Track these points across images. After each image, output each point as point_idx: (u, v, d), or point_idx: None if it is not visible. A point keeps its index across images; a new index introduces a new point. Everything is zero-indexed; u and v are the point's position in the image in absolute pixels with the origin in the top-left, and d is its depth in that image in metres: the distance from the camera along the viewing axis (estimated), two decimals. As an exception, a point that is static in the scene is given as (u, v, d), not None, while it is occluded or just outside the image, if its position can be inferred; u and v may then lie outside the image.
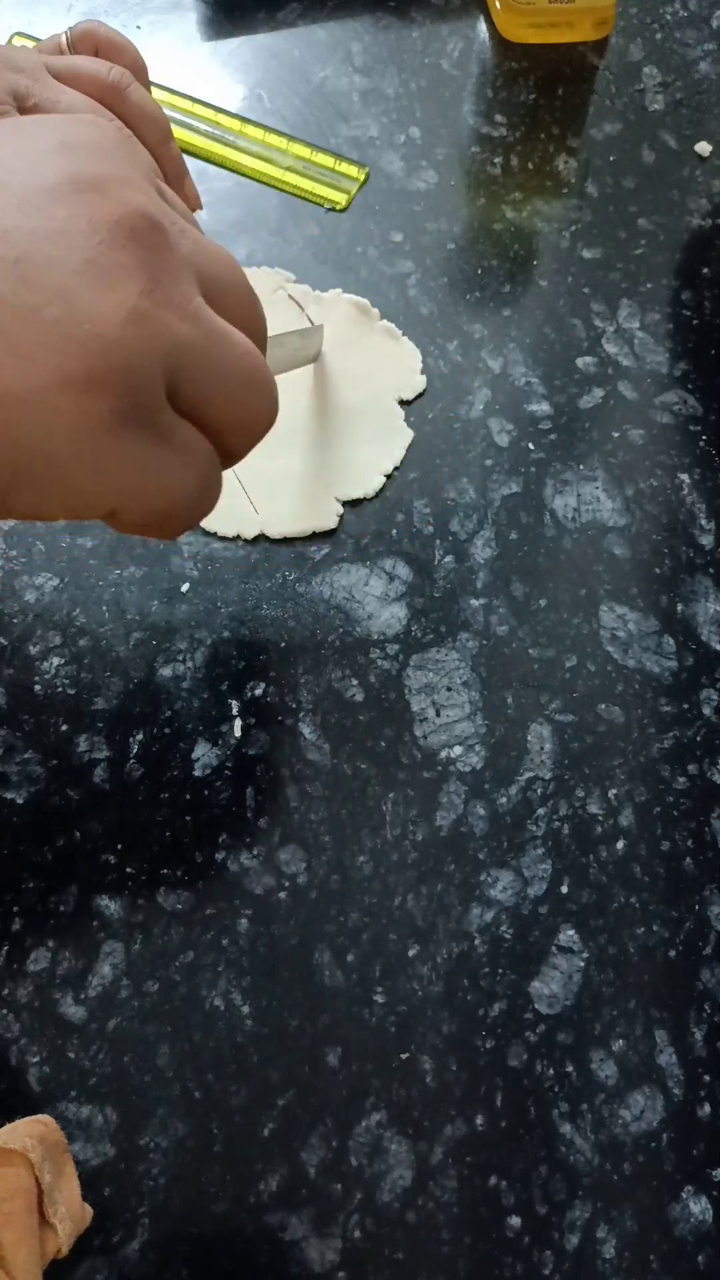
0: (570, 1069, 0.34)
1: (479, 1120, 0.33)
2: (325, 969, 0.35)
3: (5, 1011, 0.34)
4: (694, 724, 0.39)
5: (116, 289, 0.21)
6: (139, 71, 0.36)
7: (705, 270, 0.47)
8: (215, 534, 0.41)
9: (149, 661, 0.39)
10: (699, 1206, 0.32)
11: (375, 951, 0.35)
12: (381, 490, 0.42)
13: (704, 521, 0.42)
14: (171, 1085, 0.33)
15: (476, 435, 0.43)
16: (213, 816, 0.36)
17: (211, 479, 0.25)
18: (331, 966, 0.35)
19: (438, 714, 0.38)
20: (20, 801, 0.36)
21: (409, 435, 0.43)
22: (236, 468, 0.42)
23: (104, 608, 0.40)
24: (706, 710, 0.39)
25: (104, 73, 0.34)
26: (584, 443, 0.43)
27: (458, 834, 0.37)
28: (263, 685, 0.38)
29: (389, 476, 0.42)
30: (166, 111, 0.49)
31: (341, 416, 0.43)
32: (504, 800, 0.37)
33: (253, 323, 0.26)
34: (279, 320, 0.45)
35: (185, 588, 0.40)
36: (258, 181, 0.48)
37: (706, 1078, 0.34)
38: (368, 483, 0.42)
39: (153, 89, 0.39)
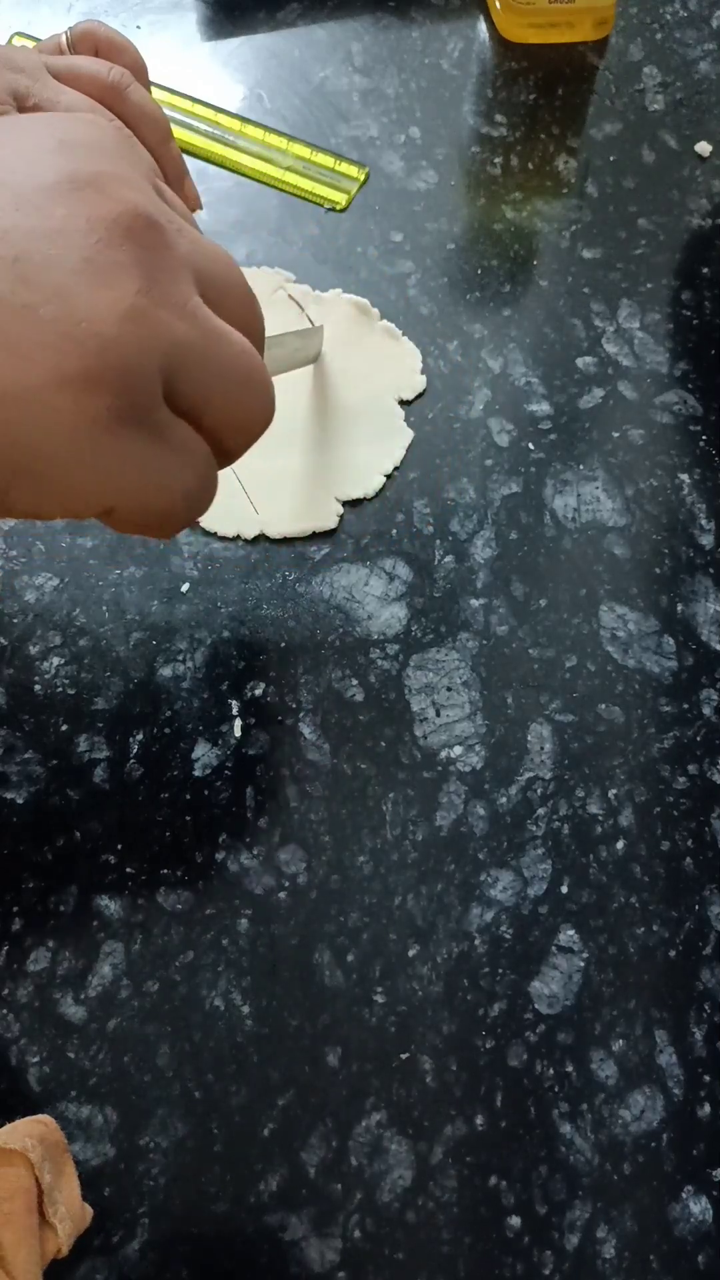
0: (570, 1069, 0.34)
1: (479, 1120, 0.33)
2: (325, 969, 0.35)
3: (5, 1011, 0.34)
4: (694, 724, 0.39)
5: (114, 288, 0.21)
6: (139, 71, 0.36)
7: (705, 270, 0.47)
8: (215, 534, 0.41)
9: (149, 661, 0.39)
10: (699, 1206, 0.32)
11: (375, 951, 0.35)
12: (381, 490, 0.42)
13: (704, 521, 0.42)
14: (171, 1085, 0.33)
15: (476, 435, 0.43)
16: (213, 816, 0.36)
17: (208, 478, 0.25)
18: (331, 966, 0.35)
19: (438, 714, 0.38)
20: (20, 801, 0.36)
21: (409, 435, 0.43)
22: (236, 468, 0.42)
23: (104, 608, 0.40)
24: (706, 710, 0.39)
25: (104, 73, 0.34)
26: (584, 443, 0.43)
27: (458, 834, 0.37)
28: (263, 685, 0.38)
29: (389, 476, 0.42)
30: (166, 111, 0.49)
31: (341, 416, 0.43)
32: (504, 800, 0.37)
33: (250, 322, 0.26)
34: (279, 320, 0.45)
35: (185, 588, 0.40)
36: (258, 181, 0.48)
37: (706, 1078, 0.34)
38: (368, 483, 0.42)
39: (153, 89, 0.39)
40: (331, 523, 0.41)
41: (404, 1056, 0.34)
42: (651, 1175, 0.33)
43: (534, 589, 0.40)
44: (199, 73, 0.51)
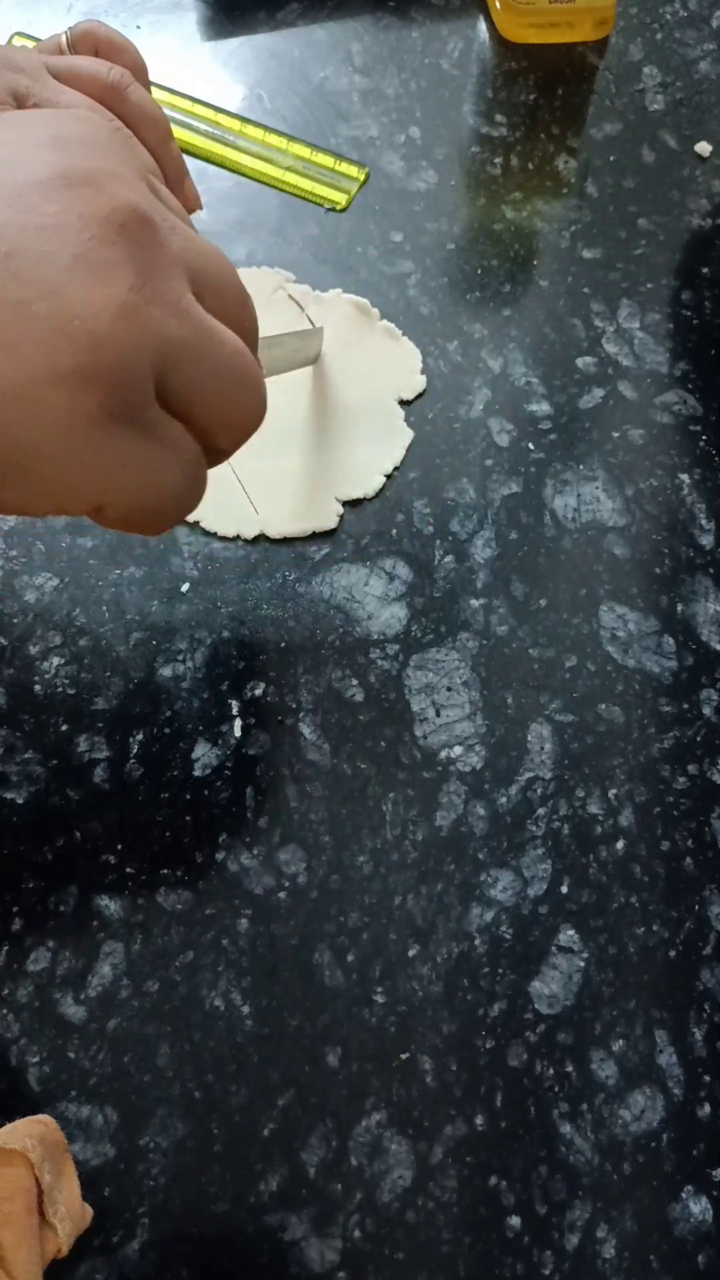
0: (570, 1069, 0.34)
1: (479, 1120, 0.33)
2: (325, 969, 0.35)
3: (5, 1011, 0.34)
4: (694, 724, 0.39)
5: (107, 284, 0.21)
6: (139, 71, 0.36)
7: (705, 270, 0.47)
8: (215, 534, 0.41)
9: (149, 661, 0.39)
10: (699, 1206, 0.32)
11: (375, 951, 0.35)
12: (381, 490, 0.42)
13: (704, 521, 0.42)
14: (171, 1085, 0.33)
15: (476, 435, 0.43)
16: (213, 816, 0.36)
17: (197, 477, 0.25)
18: (331, 966, 0.35)
19: (438, 714, 0.38)
20: (20, 801, 0.36)
21: (409, 435, 0.43)
22: (236, 468, 0.42)
23: (104, 608, 0.40)
24: (706, 710, 0.39)
25: (104, 73, 0.34)
26: (584, 443, 0.43)
27: (458, 834, 0.37)
28: (263, 685, 0.38)
29: (389, 476, 0.42)
30: (166, 111, 0.49)
31: (341, 416, 0.43)
32: (504, 800, 0.37)
33: (243, 321, 0.26)
34: (279, 320, 0.45)
35: (185, 588, 0.40)
36: (258, 181, 0.48)
37: (706, 1078, 0.34)
38: (368, 483, 0.42)
39: (153, 89, 0.39)
40: (331, 523, 0.41)
41: (404, 1056, 0.34)
42: (651, 1175, 0.33)
43: (534, 589, 0.40)
44: (199, 73, 0.51)
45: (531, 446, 0.43)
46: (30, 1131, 0.29)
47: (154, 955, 0.35)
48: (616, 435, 0.43)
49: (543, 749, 0.38)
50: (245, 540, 0.41)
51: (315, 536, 0.41)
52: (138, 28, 0.52)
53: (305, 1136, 0.33)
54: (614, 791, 0.37)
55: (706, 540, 0.42)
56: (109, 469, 0.22)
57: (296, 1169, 0.32)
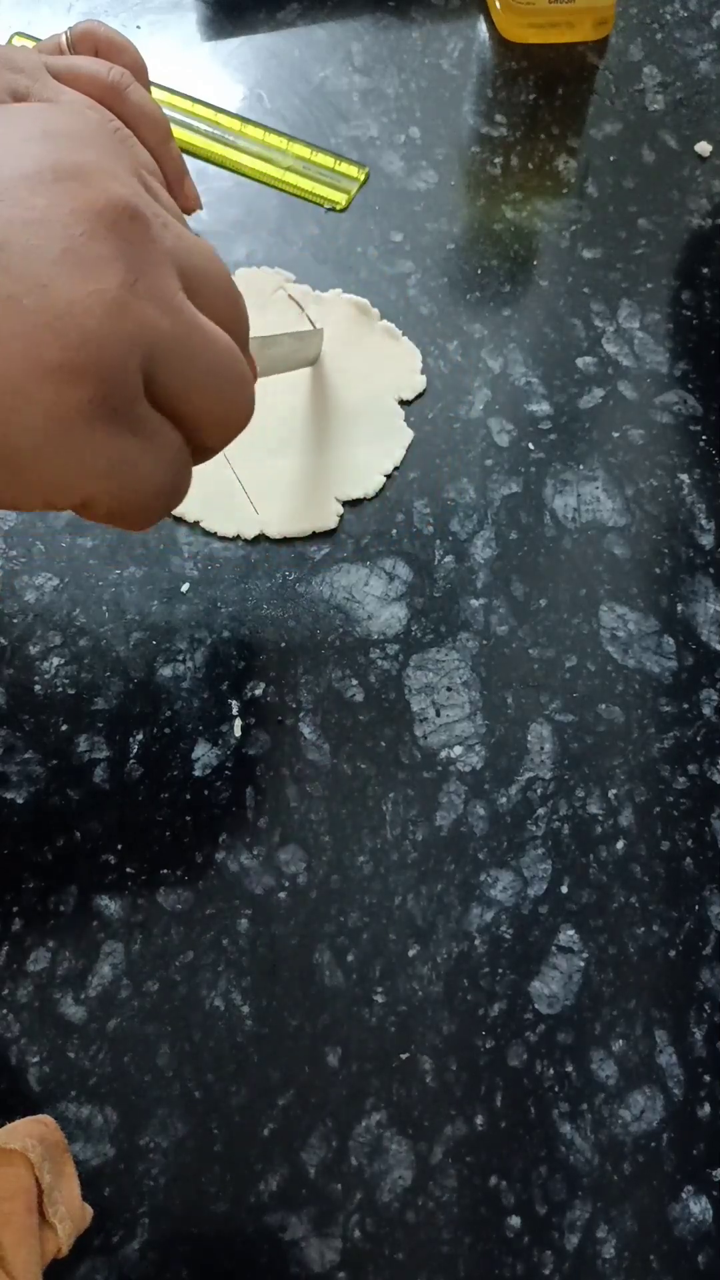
0: (570, 1069, 0.34)
1: (479, 1120, 0.33)
2: (325, 969, 0.35)
3: (5, 1011, 0.34)
4: (694, 724, 0.39)
5: (96, 280, 0.21)
6: (139, 71, 0.36)
7: (705, 270, 0.47)
8: (215, 534, 0.41)
9: (149, 661, 0.39)
10: (699, 1206, 0.32)
11: (375, 951, 0.35)
12: (381, 490, 0.42)
13: (704, 521, 0.42)
14: (171, 1085, 0.33)
15: (476, 435, 0.43)
16: (213, 816, 0.36)
17: (183, 473, 0.25)
18: (331, 966, 0.35)
19: (438, 714, 0.38)
20: (20, 801, 0.36)
21: (409, 435, 0.43)
22: (236, 468, 0.42)
23: (104, 608, 0.40)
24: (706, 710, 0.39)
25: (104, 73, 0.34)
26: (584, 443, 0.43)
27: (458, 834, 0.37)
28: (263, 685, 0.38)
29: (389, 476, 0.42)
30: (166, 111, 0.49)
31: (341, 416, 0.43)
32: (504, 800, 0.37)
33: (234, 320, 0.26)
34: (279, 320, 0.45)
35: (185, 588, 0.40)
36: (258, 181, 0.48)
37: (706, 1078, 0.34)
38: (368, 483, 0.42)
39: (153, 89, 0.39)
40: (331, 523, 0.41)
41: (404, 1056, 0.34)
42: (651, 1175, 0.33)
43: (534, 589, 0.40)
44: (199, 73, 0.51)
45: (531, 446, 0.43)
46: (30, 1131, 0.29)
47: (154, 955, 0.35)
48: (616, 435, 0.43)
49: (543, 749, 0.38)
50: (245, 540, 0.41)
51: (315, 536, 0.41)
52: (138, 28, 0.52)
53: (305, 1136, 0.33)
54: (614, 791, 0.37)
55: (706, 540, 0.42)
56: (96, 464, 0.22)
57: (296, 1169, 0.32)
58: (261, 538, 0.41)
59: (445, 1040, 0.34)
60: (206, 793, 0.37)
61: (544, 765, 0.38)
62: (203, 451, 0.26)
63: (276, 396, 0.43)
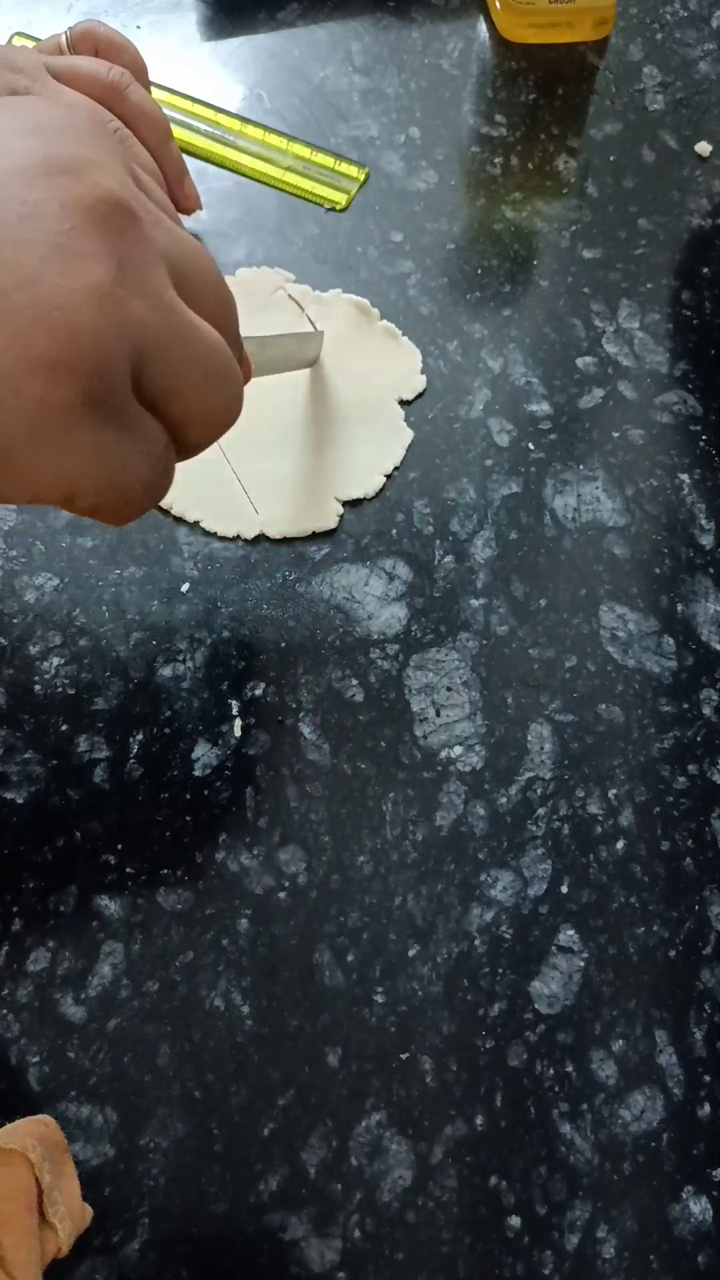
0: (570, 1069, 0.34)
1: (479, 1120, 0.33)
2: (325, 969, 0.35)
3: (5, 1011, 0.34)
4: (694, 724, 0.39)
5: (86, 274, 0.21)
6: (139, 71, 0.36)
7: (705, 270, 0.47)
8: (215, 534, 0.41)
9: (149, 661, 0.39)
10: (699, 1206, 0.32)
11: (375, 951, 0.35)
12: (381, 490, 0.42)
13: (704, 521, 0.42)
14: (171, 1085, 0.33)
15: (476, 435, 0.43)
16: (213, 816, 0.36)
17: (166, 469, 0.25)
18: (331, 966, 0.35)
19: (438, 714, 0.38)
20: (20, 801, 0.36)
21: (409, 435, 0.43)
22: (236, 467, 0.42)
23: (104, 608, 0.40)
24: (706, 710, 0.39)
25: (103, 73, 0.34)
26: (584, 443, 0.43)
27: (458, 834, 0.37)
28: (263, 685, 0.38)
29: (389, 476, 0.42)
30: (166, 111, 0.49)
31: (341, 416, 0.43)
32: (504, 800, 0.37)
33: (224, 318, 0.26)
34: (279, 320, 0.45)
35: (185, 588, 0.40)
36: (258, 181, 0.48)
37: (706, 1078, 0.34)
38: (368, 483, 0.42)
39: (153, 89, 0.39)
40: (331, 523, 0.41)
41: (404, 1056, 0.34)
42: (651, 1175, 0.33)
43: (534, 589, 0.40)
44: (199, 73, 0.51)
45: (531, 446, 0.43)
46: (30, 1131, 0.29)
47: (154, 955, 0.35)
48: (616, 435, 0.43)
49: (543, 749, 0.38)
50: (245, 540, 0.41)
51: (315, 536, 0.41)
52: (138, 28, 0.52)
53: (305, 1136, 0.33)
54: (614, 791, 0.37)
55: (706, 540, 0.42)
56: (82, 458, 0.22)
57: (296, 1169, 0.32)
58: (261, 538, 0.41)
59: (445, 1040, 0.34)
60: (206, 793, 0.37)
61: (544, 765, 0.38)
62: (188, 448, 0.26)
63: (276, 396, 0.43)
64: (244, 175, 0.48)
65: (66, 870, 0.36)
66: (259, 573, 0.40)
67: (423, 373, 0.44)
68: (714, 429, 0.44)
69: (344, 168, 0.48)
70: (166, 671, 0.39)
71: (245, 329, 0.30)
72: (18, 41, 0.51)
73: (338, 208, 0.48)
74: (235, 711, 0.38)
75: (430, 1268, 0.31)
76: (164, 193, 0.27)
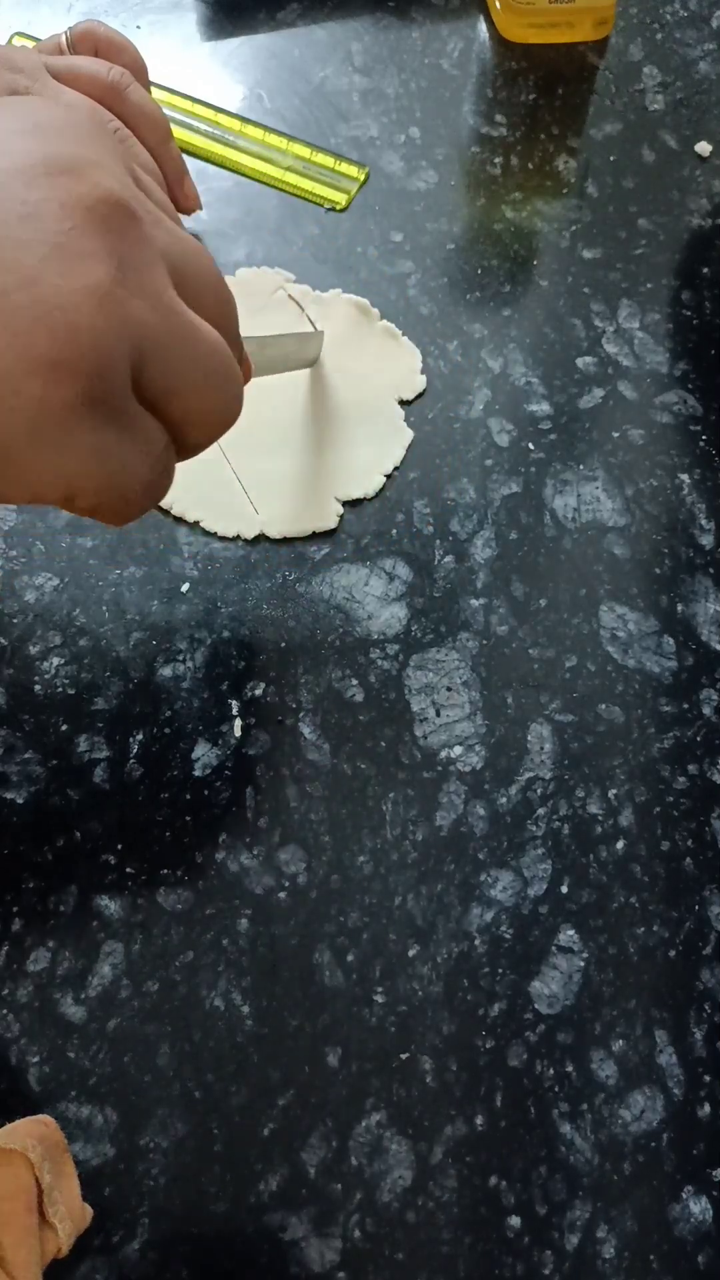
0: (570, 1069, 0.34)
1: (479, 1120, 0.33)
2: (325, 969, 0.35)
3: (5, 1011, 0.34)
4: (694, 724, 0.39)
5: (86, 274, 0.21)
6: (139, 71, 0.36)
7: (705, 270, 0.47)
8: (215, 534, 0.41)
9: (149, 661, 0.39)
10: (699, 1206, 0.32)
11: (375, 951, 0.35)
12: (381, 490, 0.42)
13: (704, 521, 0.42)
14: (171, 1085, 0.33)
15: (476, 435, 0.43)
16: (213, 816, 0.36)
17: (166, 469, 0.25)
18: (331, 966, 0.35)
19: (438, 714, 0.38)
20: (20, 801, 0.36)
21: (409, 435, 0.43)
22: (237, 467, 0.42)
23: (104, 608, 0.40)
24: (706, 710, 0.39)
25: (103, 73, 0.34)
26: (584, 443, 0.43)
27: (458, 834, 0.37)
28: (263, 685, 0.38)
29: (389, 476, 0.42)
30: (166, 111, 0.49)
31: (341, 416, 0.43)
32: (504, 800, 0.37)
33: (224, 318, 0.26)
34: (279, 320, 0.45)
35: (185, 588, 0.40)
36: (258, 181, 0.48)
37: (706, 1078, 0.34)
38: (368, 483, 0.42)
39: (153, 89, 0.39)
40: (331, 523, 0.41)
41: (404, 1056, 0.34)
42: (651, 1175, 0.33)
43: (534, 589, 0.40)
44: (199, 73, 0.51)
45: (531, 446, 0.43)
46: (30, 1131, 0.29)
47: (154, 955, 0.35)
48: (616, 435, 0.43)
49: (543, 749, 0.38)
50: (245, 540, 0.41)
51: (315, 536, 0.41)
52: (138, 28, 0.52)
53: (305, 1136, 0.33)
54: (614, 791, 0.37)
55: (706, 540, 0.42)
56: (82, 458, 0.22)
57: (296, 1169, 0.32)
58: (261, 538, 0.41)
59: (445, 1040, 0.34)
60: (206, 793, 0.37)
61: (544, 765, 0.38)
62: (188, 449, 0.26)
63: (277, 396, 0.43)
64: (244, 175, 0.48)
65: (66, 870, 0.36)
66: (259, 573, 0.40)
67: (423, 373, 0.44)
68: (714, 429, 0.44)
69: (344, 168, 0.48)
70: (166, 671, 0.39)
71: (245, 329, 0.30)
72: (18, 41, 0.51)
73: (338, 208, 0.48)
74: (235, 711, 0.38)
75: (430, 1268, 0.31)
76: (164, 193, 0.27)
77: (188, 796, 0.37)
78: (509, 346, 0.45)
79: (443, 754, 0.38)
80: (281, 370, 0.41)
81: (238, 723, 0.38)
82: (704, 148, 0.50)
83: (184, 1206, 0.32)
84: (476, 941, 0.35)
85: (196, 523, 0.41)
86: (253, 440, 0.42)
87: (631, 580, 0.41)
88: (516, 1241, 0.32)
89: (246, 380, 0.30)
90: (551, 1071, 0.34)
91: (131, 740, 0.37)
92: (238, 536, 0.41)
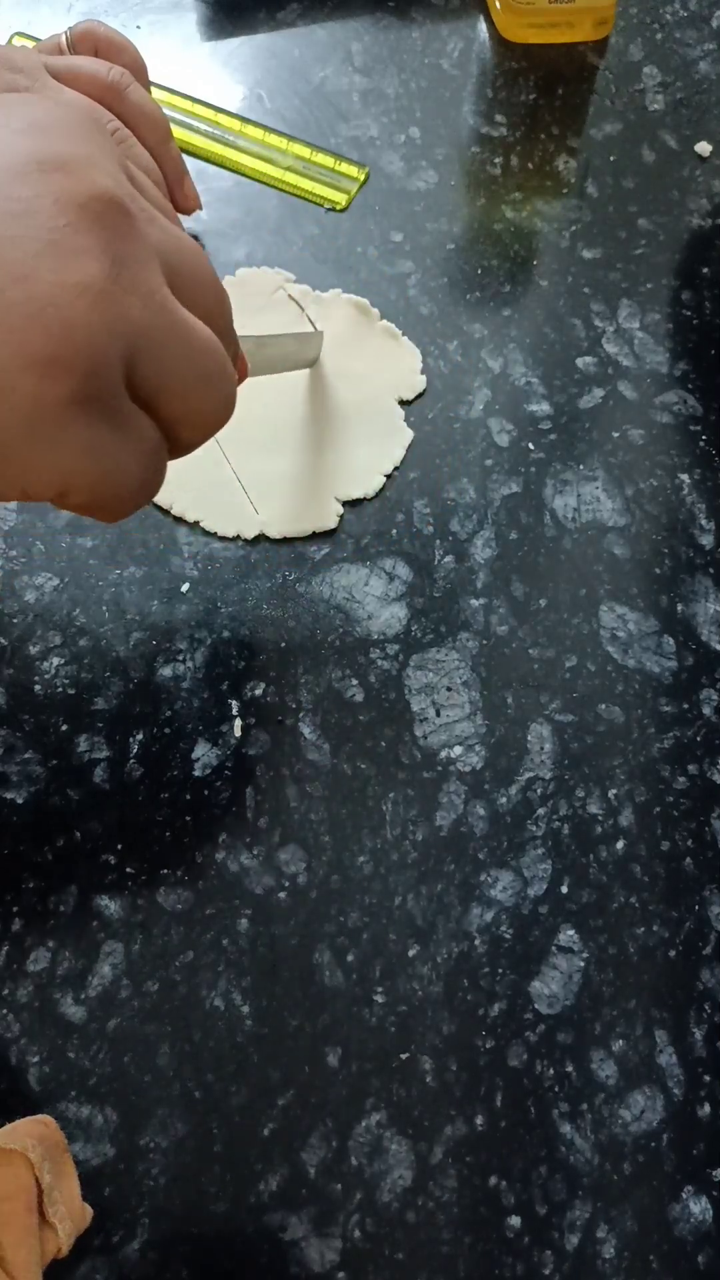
0: (570, 1069, 0.34)
1: (479, 1120, 0.33)
2: (325, 969, 0.35)
3: (5, 1011, 0.34)
4: (694, 724, 0.39)
5: (80, 271, 0.21)
6: (139, 71, 0.36)
7: (705, 270, 0.47)
8: (215, 534, 0.41)
9: (149, 661, 0.39)
10: (699, 1206, 0.32)
11: (375, 951, 0.35)
12: (381, 490, 0.42)
13: (704, 521, 0.42)
14: (171, 1085, 0.33)
15: (476, 435, 0.43)
16: (213, 816, 0.36)
17: (158, 467, 0.25)
18: (331, 966, 0.35)
19: (438, 714, 0.38)
20: (20, 801, 0.36)
21: (409, 435, 0.43)
22: (236, 468, 0.42)
23: (104, 608, 0.40)
24: (706, 710, 0.39)
25: (103, 73, 0.34)
26: (584, 443, 0.43)
27: (458, 834, 0.37)
28: (263, 685, 0.38)
29: (389, 476, 0.42)
30: (166, 111, 0.49)
31: (341, 416, 0.43)
32: (504, 800, 0.37)
33: (218, 317, 0.26)
34: (279, 320, 0.45)
35: (185, 588, 0.40)
36: (258, 181, 0.48)
37: (706, 1078, 0.34)
38: (368, 483, 0.42)
39: (153, 89, 0.39)
40: (331, 523, 0.41)
41: (404, 1056, 0.34)
42: (651, 1175, 0.33)
43: (534, 589, 0.40)
44: (199, 73, 0.51)
45: (531, 446, 0.43)
46: (30, 1131, 0.29)
47: (154, 955, 0.35)
48: (616, 435, 0.43)
49: (543, 749, 0.38)
50: (245, 540, 0.41)
51: (315, 536, 0.41)
52: (138, 28, 0.52)
53: (305, 1136, 0.33)
54: (614, 791, 0.37)
55: (706, 540, 0.42)
56: (75, 455, 0.22)
57: (296, 1169, 0.32)
58: (261, 538, 0.41)
59: (445, 1040, 0.34)
60: (206, 793, 0.37)
61: (544, 765, 0.38)
62: (181, 447, 0.26)
63: (276, 396, 0.43)
64: (244, 175, 0.48)
65: (66, 870, 0.36)
66: (259, 573, 0.40)
67: (423, 373, 0.44)
68: (714, 429, 0.44)
69: (344, 168, 0.48)
70: (166, 671, 0.39)
71: (245, 329, 0.30)
72: (18, 41, 0.51)
73: (338, 208, 0.48)
74: (235, 711, 0.38)
75: (430, 1268, 0.31)
76: (159, 191, 0.27)
77: (188, 796, 0.37)
78: (509, 346, 0.45)
79: (443, 754, 0.38)
80: (281, 370, 0.41)
81: (238, 723, 0.38)
82: (704, 148, 0.50)
83: (184, 1206, 0.32)
84: (476, 941, 0.35)
85: (196, 523, 0.41)
86: (253, 440, 0.42)
87: (631, 580, 0.41)
88: (516, 1241, 0.32)
89: (242, 379, 0.30)
90: (551, 1071, 0.34)
91: (131, 740, 0.37)
92: (238, 536, 0.41)
